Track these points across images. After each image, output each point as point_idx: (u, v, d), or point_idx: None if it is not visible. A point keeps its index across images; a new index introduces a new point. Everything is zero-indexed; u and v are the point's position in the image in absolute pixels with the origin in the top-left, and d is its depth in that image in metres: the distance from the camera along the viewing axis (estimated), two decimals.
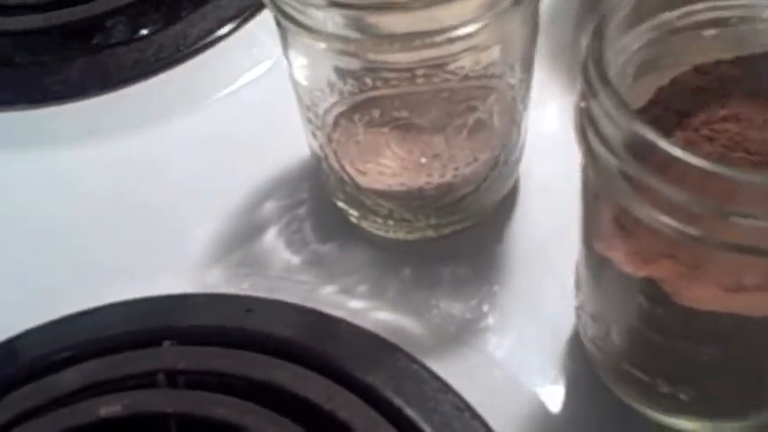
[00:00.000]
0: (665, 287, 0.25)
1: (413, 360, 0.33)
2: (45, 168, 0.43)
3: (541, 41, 0.34)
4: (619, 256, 0.26)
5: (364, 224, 0.37)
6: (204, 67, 0.46)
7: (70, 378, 0.32)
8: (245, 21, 0.47)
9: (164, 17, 0.48)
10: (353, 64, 0.31)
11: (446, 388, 0.32)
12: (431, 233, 0.37)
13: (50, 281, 0.38)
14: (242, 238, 0.39)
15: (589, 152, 0.24)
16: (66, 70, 0.46)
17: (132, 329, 0.35)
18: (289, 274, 0.38)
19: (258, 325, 0.34)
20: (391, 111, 0.31)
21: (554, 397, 0.33)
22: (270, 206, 0.40)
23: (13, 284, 0.38)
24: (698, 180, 0.22)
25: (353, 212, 0.37)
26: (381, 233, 0.37)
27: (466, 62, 0.31)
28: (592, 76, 0.24)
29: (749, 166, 0.27)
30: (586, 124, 0.24)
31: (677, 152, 0.22)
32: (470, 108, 0.32)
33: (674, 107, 0.28)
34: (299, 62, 0.33)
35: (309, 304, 0.35)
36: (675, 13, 0.28)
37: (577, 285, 0.31)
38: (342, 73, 0.31)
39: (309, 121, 0.34)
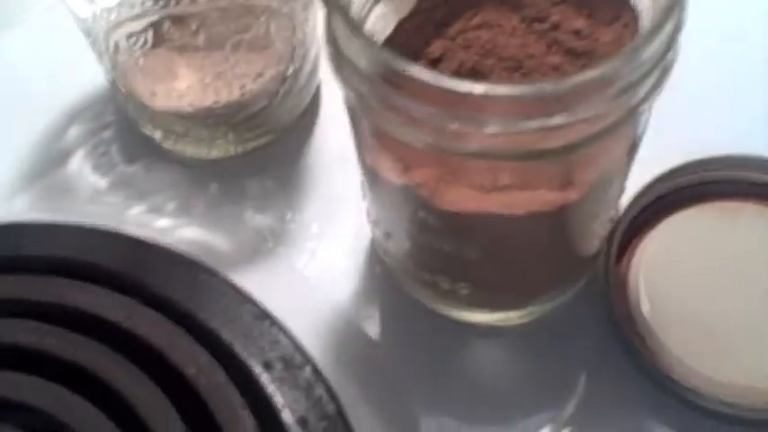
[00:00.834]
0: (423, 192, 0.27)
1: (214, 274, 0.34)
2: None
3: None
4: (382, 165, 0.28)
5: (167, 144, 0.38)
6: None
7: None
8: None
9: None
10: None
11: (247, 299, 0.33)
12: (233, 150, 0.37)
13: None
14: (48, 163, 0.39)
15: (338, 73, 0.25)
16: None
17: None
18: (97, 198, 0.38)
19: (60, 251, 0.34)
20: (164, 33, 0.31)
21: (353, 300, 0.34)
22: (75, 131, 0.40)
23: None
24: (442, 93, 0.23)
25: (155, 134, 0.37)
26: (185, 153, 0.38)
27: None
28: (330, 5, 0.25)
29: (501, 71, 0.28)
30: (332, 47, 0.25)
31: (414, 72, 0.23)
32: (245, 25, 0.32)
33: (433, 16, 0.29)
34: None
35: (117, 226, 0.36)
36: None
37: (363, 194, 0.32)
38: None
39: (92, 46, 0.34)
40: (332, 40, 0.25)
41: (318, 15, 0.36)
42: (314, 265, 0.36)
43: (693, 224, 0.34)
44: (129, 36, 0.32)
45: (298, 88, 0.36)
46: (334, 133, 0.39)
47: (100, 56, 0.34)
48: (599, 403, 0.32)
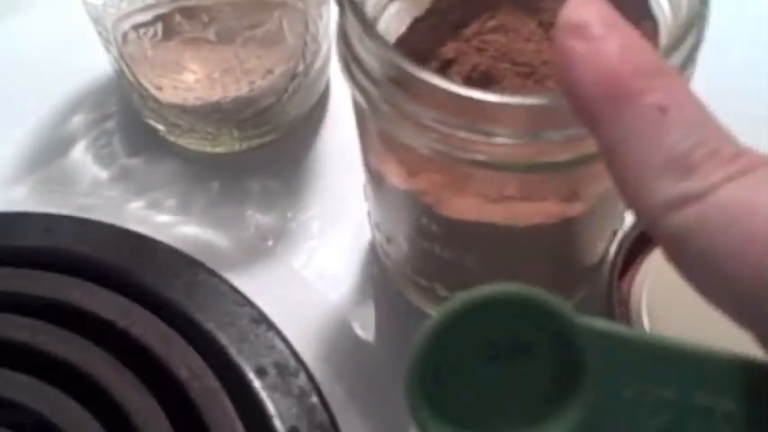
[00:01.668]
0: (427, 199, 0.26)
1: (213, 274, 0.33)
2: None
3: None
4: (387, 169, 0.27)
5: (171, 138, 0.37)
6: None
7: None
8: None
9: None
10: None
11: (245, 301, 0.32)
12: (237, 146, 0.37)
13: None
14: (48, 153, 0.38)
15: (347, 73, 0.24)
16: None
17: None
18: (96, 190, 0.37)
19: (56, 243, 0.34)
20: (174, 25, 0.30)
21: (350, 303, 0.34)
22: (77, 120, 0.39)
23: None
24: (451, 100, 0.23)
25: (159, 126, 0.36)
26: (189, 146, 0.37)
27: None
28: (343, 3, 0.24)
29: (514, 77, 0.27)
30: (344, 46, 0.24)
31: (424, 76, 0.22)
32: (257, 20, 0.31)
33: (449, 17, 0.28)
34: None
35: (116, 220, 0.35)
36: None
37: (366, 196, 0.31)
38: None
39: (100, 34, 0.33)
40: (343, 38, 0.25)
41: (332, 10, 0.35)
42: (313, 266, 0.35)
43: None
44: (139, 27, 0.31)
45: (307, 85, 0.35)
46: (340, 132, 0.38)
47: (107, 45, 0.33)
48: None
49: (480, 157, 0.23)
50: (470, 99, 0.22)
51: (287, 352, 0.31)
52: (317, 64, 0.35)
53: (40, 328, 0.30)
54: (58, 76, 0.40)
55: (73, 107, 0.39)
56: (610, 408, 0.17)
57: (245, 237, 0.35)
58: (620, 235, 0.32)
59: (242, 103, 0.34)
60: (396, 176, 0.27)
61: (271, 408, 0.29)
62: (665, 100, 0.17)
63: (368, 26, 0.23)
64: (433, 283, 0.30)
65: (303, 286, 0.34)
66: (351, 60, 0.24)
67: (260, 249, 0.35)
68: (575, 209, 0.26)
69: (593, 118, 0.18)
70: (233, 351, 0.31)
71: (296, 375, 0.30)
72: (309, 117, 0.38)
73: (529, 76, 0.27)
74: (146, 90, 0.34)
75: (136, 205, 0.37)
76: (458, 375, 0.17)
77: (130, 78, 0.34)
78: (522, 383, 0.17)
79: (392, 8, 0.29)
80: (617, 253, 0.32)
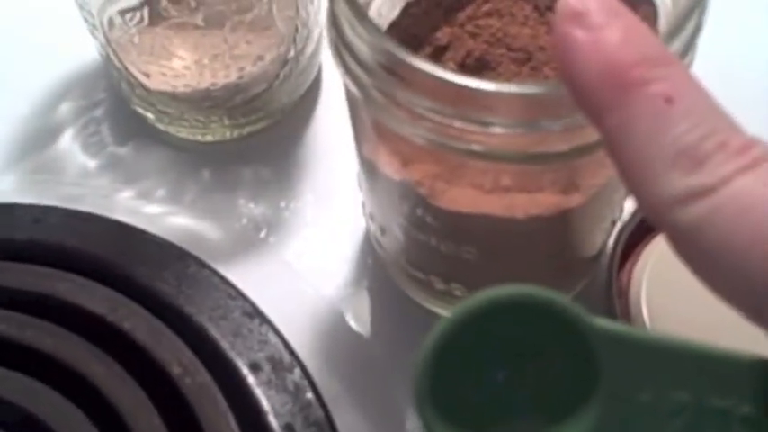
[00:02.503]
0: (422, 190, 0.25)
1: (204, 266, 0.32)
2: None
3: None
4: (380, 158, 0.26)
5: (161, 126, 0.36)
6: None
7: None
8: None
9: None
10: None
11: (237, 294, 0.32)
12: (228, 134, 0.36)
13: None
14: (36, 142, 0.38)
15: (339, 59, 0.24)
16: None
17: None
18: (85, 180, 0.37)
19: (45, 236, 0.33)
20: (161, 10, 0.30)
21: (345, 296, 0.33)
22: (65, 108, 0.38)
23: None
24: (445, 88, 0.22)
25: (148, 114, 0.36)
26: (178, 135, 0.36)
27: None
28: None
29: (510, 63, 0.27)
30: (334, 32, 0.24)
31: (417, 64, 0.21)
32: (247, 5, 0.30)
33: (442, 1, 0.28)
34: None
35: (104, 211, 0.34)
36: None
37: (359, 186, 0.31)
38: None
39: (85, 19, 0.32)
40: (334, 24, 0.24)
41: None
42: (306, 257, 0.34)
43: None
44: (125, 12, 0.30)
45: (299, 71, 0.35)
46: (333, 119, 0.37)
47: (93, 31, 0.32)
48: None
49: (476, 148, 0.22)
50: (464, 87, 0.21)
51: (281, 346, 0.30)
52: (308, 50, 0.35)
53: (27, 323, 0.30)
54: (44, 61, 0.39)
55: (61, 94, 0.38)
56: (626, 410, 0.17)
57: (237, 227, 0.35)
58: (618, 225, 0.31)
59: (232, 90, 0.33)
60: (389, 167, 0.26)
61: (265, 404, 0.28)
62: (671, 90, 0.16)
63: (359, 11, 0.23)
64: (429, 276, 0.29)
65: (297, 278, 0.33)
66: (342, 47, 0.24)
67: (252, 240, 0.35)
68: (573, 200, 0.26)
69: (596, 108, 0.17)
70: (225, 345, 0.30)
71: (290, 371, 0.30)
72: (301, 104, 0.37)
73: (525, 63, 0.27)
74: (133, 77, 0.33)
75: (125, 195, 0.36)
76: (469, 376, 0.17)
77: (118, 65, 0.33)
78: (537, 385, 0.17)
79: None
80: (616, 244, 0.31)
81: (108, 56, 0.33)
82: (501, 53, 0.26)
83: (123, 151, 0.37)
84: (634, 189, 0.17)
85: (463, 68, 0.27)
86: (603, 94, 0.17)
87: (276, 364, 0.30)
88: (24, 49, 0.39)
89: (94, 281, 0.31)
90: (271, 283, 0.33)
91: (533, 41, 0.27)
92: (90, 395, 0.28)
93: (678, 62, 0.17)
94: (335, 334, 0.32)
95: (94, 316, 0.30)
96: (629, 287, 0.32)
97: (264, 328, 0.31)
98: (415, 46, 0.27)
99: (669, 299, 0.31)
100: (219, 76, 0.32)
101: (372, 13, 0.28)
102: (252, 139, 0.37)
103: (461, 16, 0.27)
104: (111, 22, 0.31)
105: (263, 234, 0.35)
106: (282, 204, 0.35)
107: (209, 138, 0.36)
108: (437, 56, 0.27)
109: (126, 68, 0.33)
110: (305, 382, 0.29)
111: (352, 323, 0.32)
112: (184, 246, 0.33)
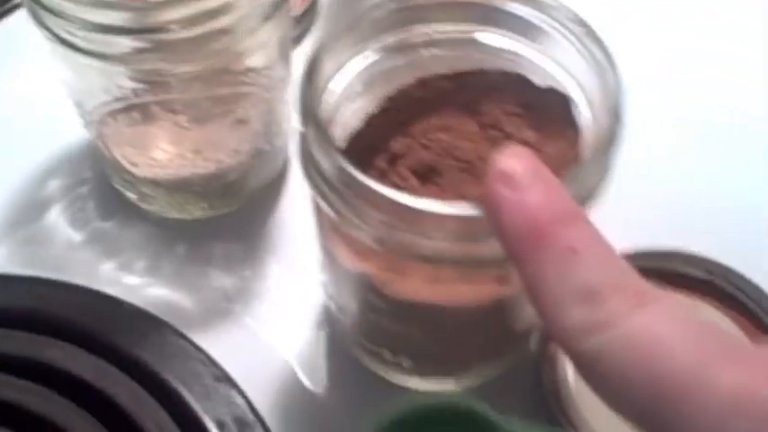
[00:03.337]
0: (375, 281, 0.30)
1: (180, 335, 0.36)
2: None
3: None
4: (338, 251, 0.30)
5: (143, 205, 0.40)
6: None
7: None
8: None
9: None
10: (117, 76, 0.32)
11: (209, 360, 0.35)
12: (203, 213, 0.40)
13: None
14: (25, 217, 0.41)
15: (306, 173, 0.28)
16: None
17: None
18: (71, 253, 0.40)
19: (34, 305, 0.36)
20: (151, 114, 0.34)
21: (304, 361, 0.37)
22: (54, 185, 0.42)
23: None
24: (386, 202, 0.25)
25: (131, 195, 0.39)
26: (159, 213, 0.40)
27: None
28: (303, 112, 0.27)
29: (455, 171, 0.31)
30: (304, 151, 0.28)
31: (367, 182, 0.25)
32: (228, 109, 0.34)
33: (399, 116, 0.32)
34: (64, 70, 0.34)
35: (89, 281, 0.38)
36: (391, 37, 0.31)
37: (320, 267, 0.35)
38: (103, 81, 0.33)
39: (80, 115, 0.36)
40: (304, 143, 0.27)
41: (294, 95, 0.38)
42: (270, 324, 0.38)
43: None
44: (117, 113, 0.34)
45: (269, 160, 0.39)
46: (298, 202, 0.41)
47: (87, 124, 0.36)
48: None
49: (420, 253, 0.26)
50: (406, 206, 0.25)
51: (245, 407, 0.34)
52: (279, 142, 0.39)
53: (20, 386, 0.33)
54: (35, 140, 0.42)
55: (50, 171, 0.42)
56: None
57: (208, 297, 0.39)
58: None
59: (209, 179, 0.37)
60: (346, 259, 0.30)
61: None
62: (577, 243, 0.20)
63: (322, 133, 0.26)
64: (380, 349, 0.33)
65: (260, 344, 0.37)
66: (308, 161, 0.28)
67: (222, 309, 0.38)
68: (506, 290, 0.30)
69: (517, 256, 0.21)
70: (197, 407, 0.34)
71: (253, 428, 0.33)
72: (270, 187, 0.41)
73: (469, 171, 0.31)
74: (121, 166, 0.37)
75: (108, 267, 0.39)
76: None
77: (107, 155, 0.37)
78: None
79: (351, 106, 0.32)
80: None
81: (98, 146, 0.37)
82: (449, 163, 0.30)
83: (107, 226, 0.41)
84: (545, 322, 0.20)
85: (415, 173, 0.31)
86: (522, 245, 0.21)
87: (240, 422, 0.33)
88: (16, 130, 0.43)
89: (81, 348, 0.35)
90: (237, 349, 0.36)
91: (476, 153, 0.30)
92: None
93: (585, 218, 0.21)
94: (294, 393, 0.36)
95: (83, 382, 0.34)
96: (556, 355, 0.35)
97: (232, 392, 0.34)
98: (374, 153, 0.31)
99: None
100: (200, 166, 0.36)
101: (339, 123, 0.31)
102: (224, 217, 0.40)
103: (415, 129, 0.31)
104: (103, 120, 0.35)
105: (231, 303, 0.38)
106: (248, 273, 0.39)
107: (185, 216, 0.40)
108: (393, 161, 0.31)
109: (115, 158, 0.37)
110: None
111: (310, 385, 0.36)
112: (161, 315, 0.36)
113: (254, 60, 0.34)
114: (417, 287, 0.29)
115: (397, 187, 0.28)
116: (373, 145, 0.31)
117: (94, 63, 0.31)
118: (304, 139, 0.28)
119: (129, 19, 0.29)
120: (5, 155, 0.43)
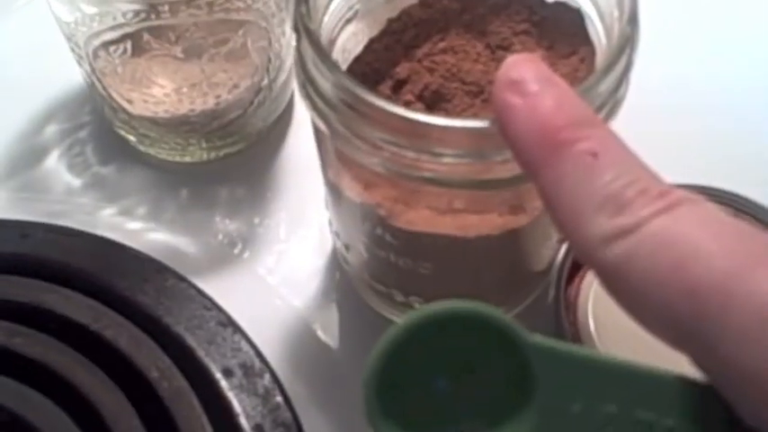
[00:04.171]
0: (382, 212, 0.28)
1: (182, 279, 0.34)
2: None
3: None
4: (344, 183, 0.29)
5: (142, 147, 0.38)
6: None
7: None
8: None
9: None
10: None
11: (212, 305, 0.34)
12: (205, 156, 0.38)
13: None
14: (23, 162, 0.40)
15: (305, 96, 0.26)
16: None
17: None
18: (69, 198, 0.39)
19: (32, 250, 0.35)
20: (143, 43, 0.32)
21: (313, 308, 0.35)
22: (51, 129, 0.41)
23: None
24: (399, 122, 0.24)
25: (130, 137, 0.38)
26: (158, 156, 0.39)
27: None
28: (298, 27, 0.25)
29: (463, 95, 0.29)
30: (301, 71, 0.26)
31: (374, 100, 0.24)
32: (223, 38, 0.33)
33: (402, 38, 0.30)
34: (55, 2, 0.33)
35: (88, 227, 0.37)
36: None
37: (326, 206, 0.33)
38: (93, 6, 0.31)
39: (72, 49, 0.34)
40: (301, 63, 0.26)
41: None
42: (278, 271, 0.37)
43: None
44: (109, 44, 0.32)
45: (272, 98, 0.37)
46: (304, 142, 0.39)
47: (80, 60, 0.35)
48: None
49: (428, 175, 0.25)
50: (416, 122, 0.23)
51: (252, 353, 0.33)
52: (281, 78, 0.37)
53: (16, 331, 0.32)
54: (33, 86, 0.41)
55: (47, 117, 0.41)
56: (559, 420, 0.18)
57: (213, 243, 0.37)
58: (566, 244, 0.34)
59: (209, 116, 0.36)
60: (352, 190, 0.28)
61: (237, 406, 0.30)
62: (596, 146, 0.19)
63: (321, 51, 0.25)
64: (390, 289, 0.32)
65: (269, 291, 0.36)
66: (308, 84, 0.26)
67: (227, 255, 0.37)
68: (520, 220, 0.28)
69: (532, 165, 0.19)
70: (201, 353, 0.32)
71: (261, 376, 0.32)
72: (274, 128, 0.40)
73: (477, 95, 0.29)
74: (116, 103, 0.35)
75: (108, 212, 0.38)
76: (414, 384, 0.18)
77: (102, 92, 0.35)
78: (478, 392, 0.18)
79: (350, 28, 0.30)
80: (563, 259, 0.33)
81: (93, 83, 0.35)
82: (455, 86, 0.29)
83: (106, 171, 0.39)
84: (566, 233, 0.19)
85: (421, 100, 0.29)
86: (537, 153, 0.19)
87: (247, 369, 0.32)
88: (13, 75, 0.42)
89: (79, 292, 0.34)
90: (244, 295, 0.35)
91: (485, 76, 0.29)
92: (74, 398, 0.30)
93: (602, 123, 0.20)
94: (304, 342, 0.35)
95: (79, 325, 0.32)
96: (576, 301, 0.34)
97: (237, 337, 0.33)
98: (376, 79, 0.30)
99: (615, 312, 0.33)
100: (197, 103, 0.35)
101: (338, 48, 0.30)
102: (228, 160, 0.39)
103: (419, 53, 0.30)
104: (96, 53, 0.33)
105: (237, 249, 0.37)
106: (256, 221, 0.38)
107: (187, 159, 0.38)
108: (397, 88, 0.29)
109: (109, 95, 0.35)
110: (274, 387, 0.31)
111: (320, 332, 0.35)
112: (163, 260, 0.35)
113: None
114: (425, 217, 0.28)
115: None
116: (375, 71, 0.30)
117: None
118: (302, 62, 0.26)
119: None
120: (1, 100, 0.41)
